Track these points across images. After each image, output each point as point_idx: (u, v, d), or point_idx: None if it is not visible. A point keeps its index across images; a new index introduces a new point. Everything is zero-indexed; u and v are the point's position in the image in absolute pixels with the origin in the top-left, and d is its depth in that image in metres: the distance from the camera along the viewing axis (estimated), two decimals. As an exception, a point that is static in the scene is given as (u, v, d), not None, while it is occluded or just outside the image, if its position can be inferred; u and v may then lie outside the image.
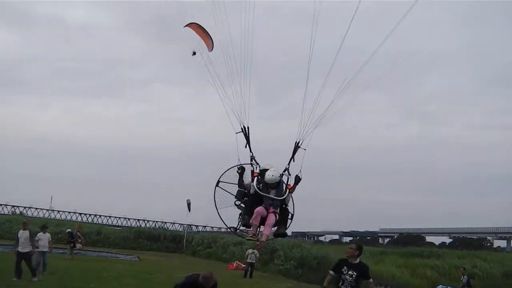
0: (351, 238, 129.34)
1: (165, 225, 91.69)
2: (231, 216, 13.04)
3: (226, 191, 13.21)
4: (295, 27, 64.73)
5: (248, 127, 13.22)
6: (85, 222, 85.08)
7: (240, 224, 12.89)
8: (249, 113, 13.24)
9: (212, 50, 21.23)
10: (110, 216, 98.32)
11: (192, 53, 22.66)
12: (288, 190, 12.68)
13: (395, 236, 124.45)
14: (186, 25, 20.87)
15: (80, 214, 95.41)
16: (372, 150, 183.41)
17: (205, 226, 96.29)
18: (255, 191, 12.51)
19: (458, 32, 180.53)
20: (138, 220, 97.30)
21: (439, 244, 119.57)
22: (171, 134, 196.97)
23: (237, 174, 13.01)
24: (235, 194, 13.15)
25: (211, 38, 20.81)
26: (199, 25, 20.49)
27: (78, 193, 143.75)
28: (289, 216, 13.05)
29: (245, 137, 13.13)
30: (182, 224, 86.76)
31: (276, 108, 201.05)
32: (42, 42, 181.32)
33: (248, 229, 12.71)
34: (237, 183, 13.09)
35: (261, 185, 12.54)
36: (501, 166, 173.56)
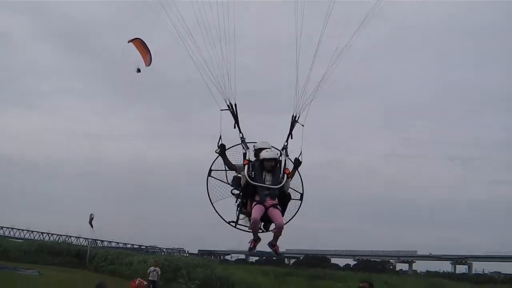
0: (257, 258, 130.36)
1: (69, 239, 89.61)
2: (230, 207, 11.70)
3: (222, 181, 11.86)
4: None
5: (235, 104, 11.70)
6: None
7: (239, 217, 11.60)
8: (236, 88, 11.63)
9: (149, 65, 21.52)
10: (12, 228, 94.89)
11: (136, 70, 22.84)
12: (286, 176, 11.22)
13: (301, 257, 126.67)
14: (130, 40, 21.08)
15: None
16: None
17: (110, 242, 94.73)
18: (247, 181, 11.02)
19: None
20: (42, 233, 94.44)
21: (344, 266, 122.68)
22: (81, 147, 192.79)
23: (221, 155, 11.54)
24: (230, 183, 11.82)
25: (150, 53, 21.12)
26: (141, 40, 20.84)
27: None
28: (297, 198, 11.89)
29: (233, 115, 11.67)
30: (87, 238, 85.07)
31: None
32: None
33: (246, 225, 11.47)
34: (229, 169, 11.68)
35: (253, 172, 11.07)
36: (403, 192, 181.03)
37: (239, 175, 11.51)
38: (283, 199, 11.17)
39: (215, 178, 11.83)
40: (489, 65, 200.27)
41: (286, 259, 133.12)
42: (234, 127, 11.69)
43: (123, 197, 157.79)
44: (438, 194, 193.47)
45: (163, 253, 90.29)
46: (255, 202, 10.91)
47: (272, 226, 11.25)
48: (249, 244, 11.43)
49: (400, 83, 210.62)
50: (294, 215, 11.75)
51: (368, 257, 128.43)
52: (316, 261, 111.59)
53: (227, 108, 11.63)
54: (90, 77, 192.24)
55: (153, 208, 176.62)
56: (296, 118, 11.65)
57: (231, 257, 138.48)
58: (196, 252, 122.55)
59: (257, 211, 10.75)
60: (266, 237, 11.58)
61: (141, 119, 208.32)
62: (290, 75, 11.69)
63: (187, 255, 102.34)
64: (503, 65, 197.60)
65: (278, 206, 10.99)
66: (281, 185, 11.05)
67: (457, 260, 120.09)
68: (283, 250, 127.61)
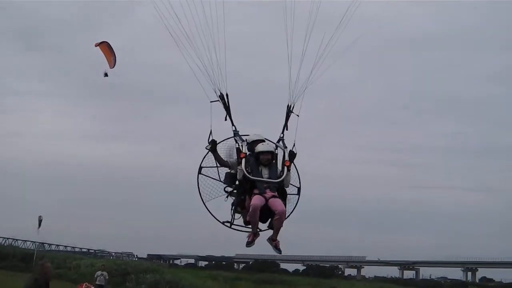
0: (206, 263, 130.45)
1: (16, 242, 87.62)
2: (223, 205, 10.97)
3: (213, 178, 11.11)
4: None
5: (227, 94, 10.85)
6: None
7: (234, 216, 10.83)
8: (227, 76, 10.66)
9: (113, 67, 21.72)
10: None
11: (104, 74, 22.91)
12: (286, 168, 10.58)
13: (250, 262, 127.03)
14: (97, 44, 21.28)
15: None
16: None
17: (58, 245, 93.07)
18: (244, 175, 10.31)
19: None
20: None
21: (293, 271, 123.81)
22: (28, 148, 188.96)
23: (212, 152, 10.75)
24: (223, 180, 11.06)
25: (114, 55, 21.35)
26: (108, 43, 21.05)
27: None
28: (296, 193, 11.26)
29: (224, 107, 10.84)
30: (34, 242, 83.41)
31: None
32: None
33: (245, 226, 10.78)
34: (221, 165, 10.96)
35: (249, 167, 10.34)
36: (352, 198, 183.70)
37: (232, 171, 10.91)
38: (282, 194, 10.55)
39: (206, 175, 11.09)
40: (435, 72, 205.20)
41: (235, 264, 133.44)
42: (225, 119, 10.92)
43: (72, 199, 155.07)
44: (386, 200, 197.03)
45: (111, 257, 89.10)
46: (254, 194, 10.20)
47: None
48: (247, 238, 10.68)
49: (349, 89, 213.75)
50: (292, 210, 11.16)
51: (318, 262, 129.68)
52: (265, 266, 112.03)
53: (218, 99, 10.79)
54: (48, 77, 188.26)
55: (103, 211, 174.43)
56: (291, 108, 11.00)
57: (181, 262, 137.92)
58: (145, 256, 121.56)
59: (257, 199, 10.10)
60: (262, 238, 10.88)
61: (94, 119, 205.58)
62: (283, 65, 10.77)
63: (136, 259, 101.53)
64: (447, 71, 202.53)
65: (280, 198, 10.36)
66: (281, 178, 10.46)
67: (404, 265, 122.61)
68: (232, 255, 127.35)
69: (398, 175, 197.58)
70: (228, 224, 10.86)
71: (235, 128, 10.92)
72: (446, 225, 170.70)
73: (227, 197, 10.97)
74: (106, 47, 20.95)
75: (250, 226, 10.61)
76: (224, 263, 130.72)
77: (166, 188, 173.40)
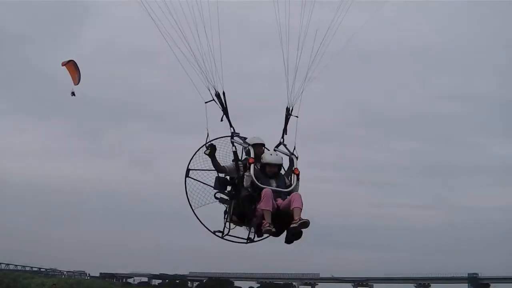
0: (160, 281, 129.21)
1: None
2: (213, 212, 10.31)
3: (203, 183, 10.32)
4: None
5: (224, 93, 10.08)
6: None
7: (227, 226, 10.11)
8: (223, 73, 9.83)
9: (78, 83, 22.08)
10: None
11: (71, 93, 23.17)
12: (297, 177, 10.00)
13: (204, 280, 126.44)
14: (64, 64, 21.60)
15: None
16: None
17: (8, 264, 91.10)
18: (252, 183, 9.55)
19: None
20: None
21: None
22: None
23: (211, 157, 9.93)
24: (213, 185, 10.26)
25: (79, 73, 21.72)
26: (74, 62, 21.41)
27: None
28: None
29: (221, 107, 10.08)
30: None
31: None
32: None
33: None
34: (214, 168, 10.08)
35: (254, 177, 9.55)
36: (305, 215, 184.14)
37: (225, 177, 10.24)
38: None
39: (195, 179, 10.26)
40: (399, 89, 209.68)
41: (189, 282, 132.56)
42: (221, 120, 10.19)
43: (22, 216, 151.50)
44: (340, 215, 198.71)
45: (63, 276, 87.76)
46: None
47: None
48: (263, 223, 9.44)
49: (311, 106, 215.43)
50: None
51: (271, 280, 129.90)
52: (219, 284, 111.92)
53: (212, 99, 10.05)
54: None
55: (54, 229, 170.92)
56: (290, 111, 10.43)
57: (134, 280, 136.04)
58: (97, 275, 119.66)
59: (268, 190, 9.42)
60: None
61: (44, 136, 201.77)
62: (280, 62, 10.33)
63: (88, 277, 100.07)
64: (409, 89, 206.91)
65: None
66: (292, 187, 9.84)
67: (358, 282, 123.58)
68: (185, 273, 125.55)
69: (353, 191, 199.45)
70: (220, 234, 10.16)
71: (233, 129, 10.18)
72: (400, 241, 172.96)
73: (225, 209, 10.18)
74: (72, 66, 21.38)
75: (246, 239, 10.24)
76: (177, 281, 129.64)
77: (121, 204, 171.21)
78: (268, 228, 9.28)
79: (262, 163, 9.82)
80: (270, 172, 9.78)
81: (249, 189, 9.65)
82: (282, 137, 10.46)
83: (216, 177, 10.26)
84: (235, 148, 9.97)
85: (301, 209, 9.37)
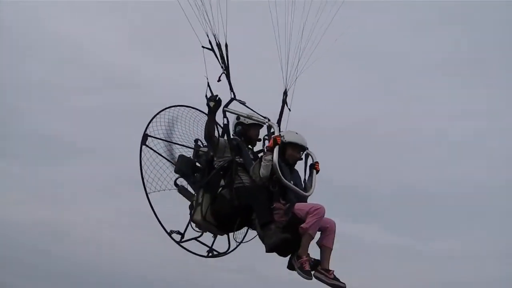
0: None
1: None
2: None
3: (166, 158, 7.37)
4: None
5: (226, 44, 7.32)
6: None
7: (189, 226, 7.12)
8: (227, 19, 7.15)
9: None
10: None
11: None
12: (316, 172, 7.16)
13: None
14: None
15: None
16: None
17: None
18: (274, 175, 6.54)
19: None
20: None
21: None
22: None
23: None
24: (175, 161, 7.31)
25: None
26: None
27: None
28: None
29: (221, 60, 7.38)
30: None
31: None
32: None
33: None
34: (208, 142, 7.14)
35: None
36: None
37: (195, 157, 7.46)
38: None
39: (155, 151, 7.28)
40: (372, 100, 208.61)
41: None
42: (219, 80, 7.31)
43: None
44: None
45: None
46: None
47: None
48: (301, 260, 6.52)
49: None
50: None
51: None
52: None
53: (210, 47, 7.34)
54: None
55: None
56: (287, 96, 7.72)
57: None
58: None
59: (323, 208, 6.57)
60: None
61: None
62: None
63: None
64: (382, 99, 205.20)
65: None
66: (313, 189, 6.99)
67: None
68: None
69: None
70: (178, 238, 7.13)
71: (234, 94, 7.36)
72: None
73: (191, 204, 7.23)
74: None
75: (208, 250, 7.45)
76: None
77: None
78: (308, 270, 6.44)
79: (284, 142, 6.85)
80: (291, 158, 6.96)
81: (262, 182, 6.68)
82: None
83: (180, 155, 7.38)
84: (227, 120, 7.16)
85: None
